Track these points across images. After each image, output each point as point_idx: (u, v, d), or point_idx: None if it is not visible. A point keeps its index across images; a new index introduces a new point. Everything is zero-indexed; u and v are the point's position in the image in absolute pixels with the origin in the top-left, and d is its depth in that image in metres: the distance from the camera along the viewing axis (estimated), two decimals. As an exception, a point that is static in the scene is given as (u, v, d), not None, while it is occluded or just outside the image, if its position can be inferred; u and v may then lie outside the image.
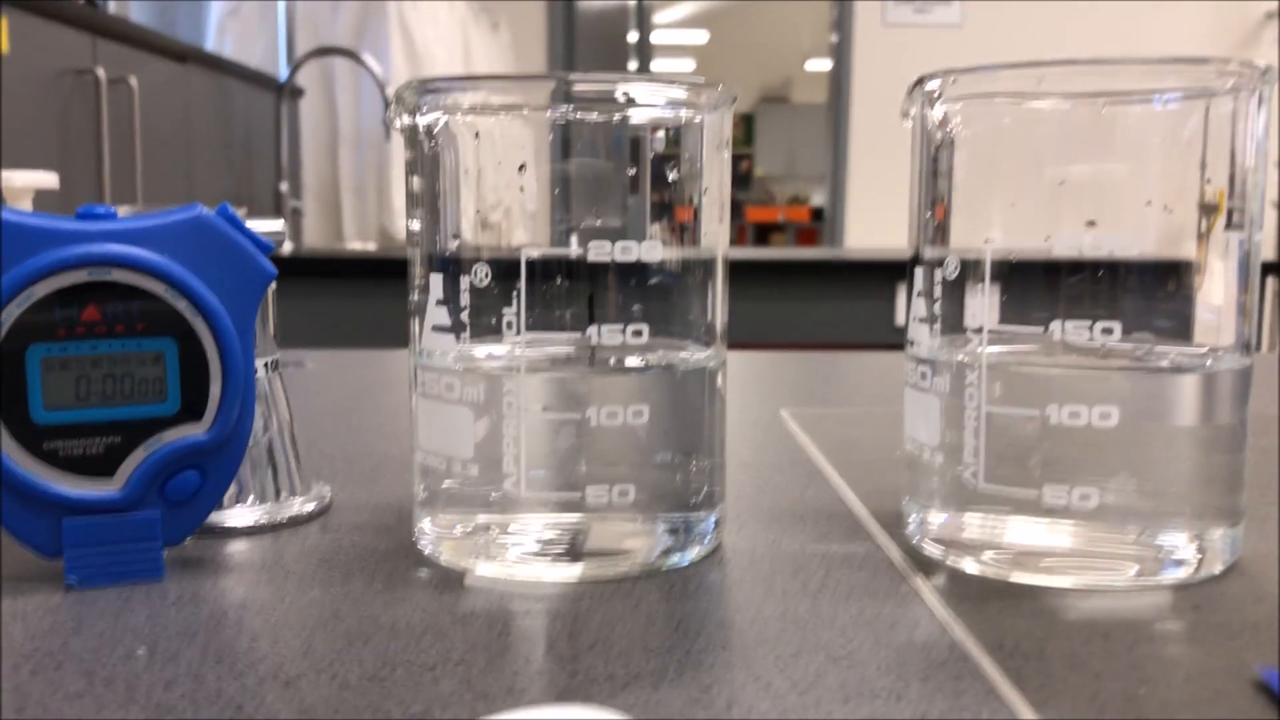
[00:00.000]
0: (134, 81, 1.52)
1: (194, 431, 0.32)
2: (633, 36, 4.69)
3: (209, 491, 0.33)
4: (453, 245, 0.33)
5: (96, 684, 0.25)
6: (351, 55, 2.31)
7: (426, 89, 0.33)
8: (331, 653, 0.27)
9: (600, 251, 0.32)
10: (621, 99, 0.32)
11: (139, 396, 0.32)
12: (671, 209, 0.34)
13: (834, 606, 0.30)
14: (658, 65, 6.71)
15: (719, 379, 0.35)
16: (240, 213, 0.34)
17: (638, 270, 0.32)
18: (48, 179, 0.57)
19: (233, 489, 0.38)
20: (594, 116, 0.32)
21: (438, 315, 0.33)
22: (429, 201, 0.34)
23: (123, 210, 0.33)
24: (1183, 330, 0.33)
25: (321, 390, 0.72)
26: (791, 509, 0.41)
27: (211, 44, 2.53)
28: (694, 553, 0.34)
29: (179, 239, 0.32)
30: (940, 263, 0.34)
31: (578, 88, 0.32)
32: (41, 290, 0.30)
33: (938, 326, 0.34)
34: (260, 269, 0.33)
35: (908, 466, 0.36)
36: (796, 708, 0.24)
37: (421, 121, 0.33)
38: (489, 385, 0.32)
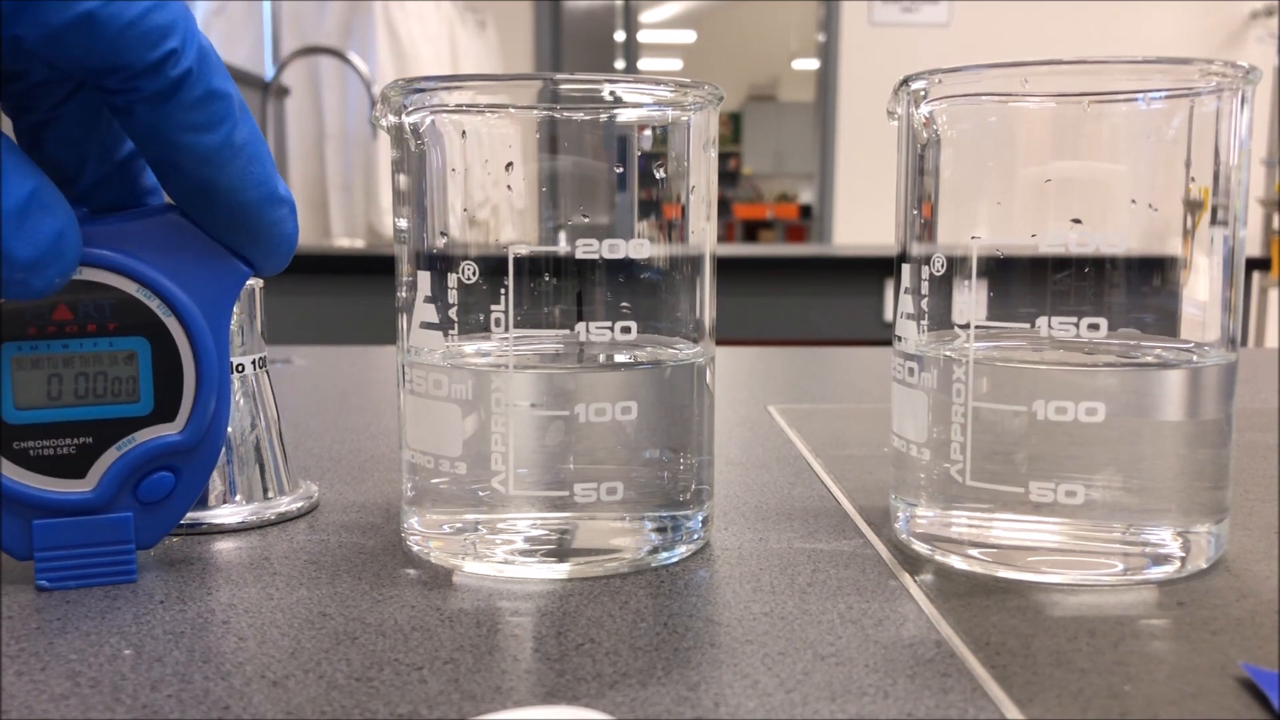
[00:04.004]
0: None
1: (167, 432, 0.32)
2: (620, 36, 4.69)
3: (183, 493, 0.32)
4: (440, 243, 0.33)
5: (82, 685, 0.25)
6: (338, 54, 2.30)
7: (412, 88, 0.33)
8: (319, 652, 0.27)
9: (588, 249, 0.32)
10: (608, 98, 0.32)
11: (111, 396, 0.31)
12: (659, 207, 0.34)
13: (821, 604, 0.31)
14: (645, 64, 6.71)
15: (707, 375, 0.35)
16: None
17: (625, 267, 0.32)
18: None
19: (220, 487, 0.38)
20: (581, 115, 0.32)
21: (425, 312, 0.33)
22: (416, 199, 0.34)
23: None
24: (1168, 326, 0.33)
25: (309, 388, 0.72)
26: (779, 506, 0.41)
27: (197, 42, 2.52)
28: (682, 550, 0.35)
29: (153, 238, 0.31)
30: (927, 259, 0.34)
31: (564, 87, 0.32)
32: None
33: (925, 323, 0.34)
34: (235, 268, 0.32)
35: (895, 463, 0.36)
36: (784, 705, 0.24)
37: (407, 121, 0.33)
38: (477, 382, 0.32)
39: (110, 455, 0.31)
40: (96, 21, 0.27)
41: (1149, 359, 0.33)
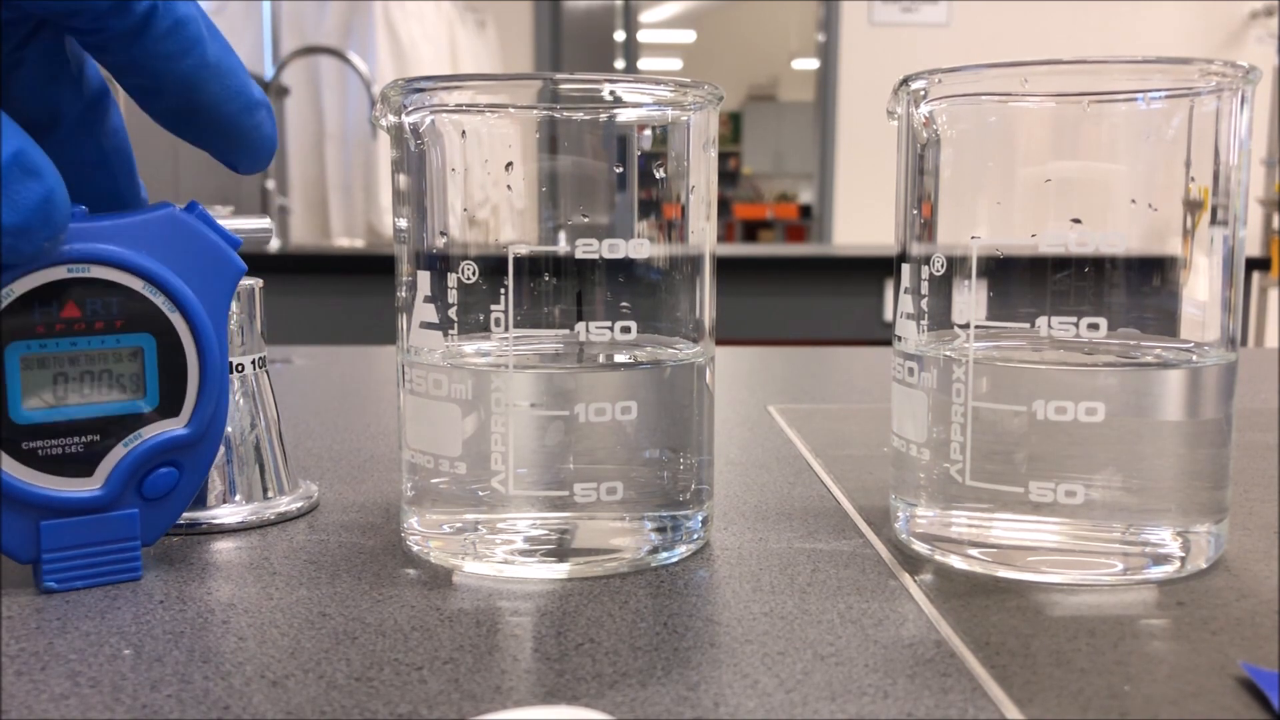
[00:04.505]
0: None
1: (172, 427, 0.32)
2: (620, 36, 4.68)
3: (185, 488, 0.33)
4: (440, 242, 0.33)
5: (82, 685, 0.25)
6: (337, 54, 2.31)
7: (412, 88, 0.33)
8: (319, 652, 0.27)
9: (588, 249, 0.32)
10: (608, 98, 0.32)
11: (118, 393, 0.31)
12: (659, 207, 0.34)
13: (821, 604, 0.31)
14: (645, 64, 6.71)
15: (707, 375, 0.35)
16: (226, 211, 0.34)
17: (625, 267, 0.32)
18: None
19: (220, 487, 0.38)
20: (581, 115, 0.32)
21: (425, 312, 0.33)
22: (416, 199, 0.34)
23: None
24: (1168, 326, 0.33)
25: (309, 388, 0.72)
26: (779, 506, 0.41)
27: (197, 42, 2.52)
28: (682, 550, 0.34)
29: (152, 236, 0.31)
30: (927, 259, 0.34)
31: (564, 87, 0.32)
32: (21, 288, 0.30)
33: (925, 322, 0.34)
34: (231, 264, 0.33)
35: (895, 463, 0.36)
36: (783, 705, 0.24)
37: (407, 120, 0.33)
38: (477, 382, 0.32)
39: (117, 452, 0.31)
40: None
41: (1149, 359, 0.33)
